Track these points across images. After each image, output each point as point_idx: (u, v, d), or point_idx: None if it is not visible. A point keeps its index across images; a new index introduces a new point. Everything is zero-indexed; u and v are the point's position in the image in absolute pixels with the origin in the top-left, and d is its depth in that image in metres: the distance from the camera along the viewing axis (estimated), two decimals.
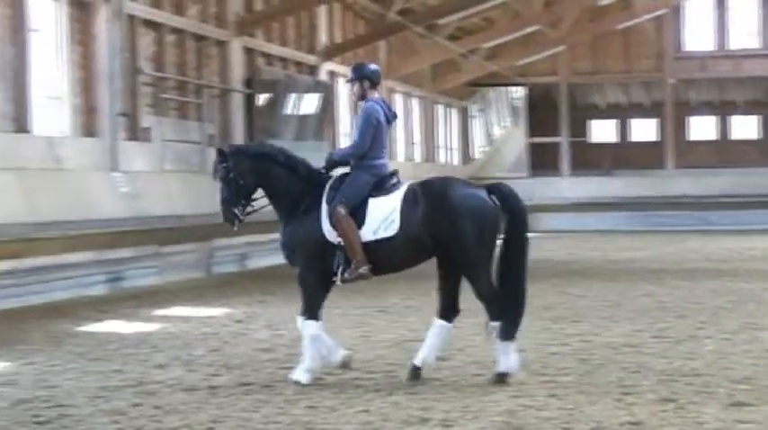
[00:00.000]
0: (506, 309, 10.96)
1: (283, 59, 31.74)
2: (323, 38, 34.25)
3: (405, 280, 22.73)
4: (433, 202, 10.85)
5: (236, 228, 11.52)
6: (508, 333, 10.87)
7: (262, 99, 29.50)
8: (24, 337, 14.46)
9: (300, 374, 10.92)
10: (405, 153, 42.80)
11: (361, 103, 11.45)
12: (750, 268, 25.11)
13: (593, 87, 52.51)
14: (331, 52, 34.58)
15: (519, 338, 11.02)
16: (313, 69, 33.55)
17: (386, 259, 11.04)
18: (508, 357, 10.80)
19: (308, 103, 32.15)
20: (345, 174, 11.29)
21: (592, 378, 11.10)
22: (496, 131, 57.12)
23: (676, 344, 13.33)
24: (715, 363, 11.91)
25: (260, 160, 11.39)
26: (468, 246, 10.77)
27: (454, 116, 50.56)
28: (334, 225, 10.86)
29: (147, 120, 24.26)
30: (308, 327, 11.00)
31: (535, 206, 45.48)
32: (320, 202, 11.03)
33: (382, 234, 10.91)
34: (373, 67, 11.71)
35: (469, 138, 52.76)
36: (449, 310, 11.09)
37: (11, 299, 17.67)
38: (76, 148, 21.53)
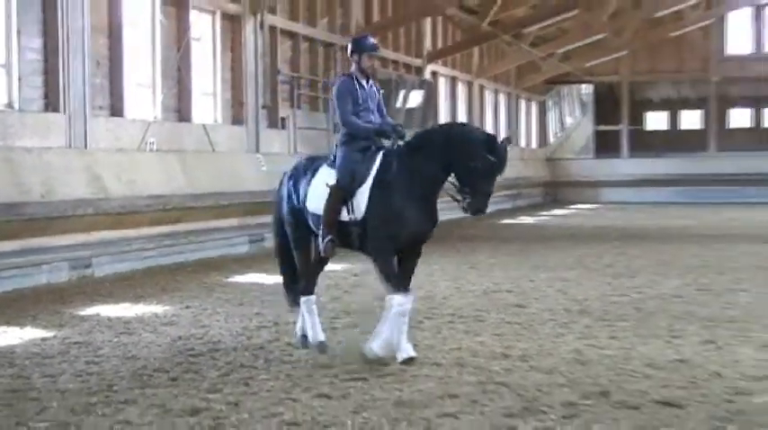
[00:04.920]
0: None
1: (395, 62, 31.66)
2: (427, 44, 34.12)
3: (492, 242, 22.76)
4: None
5: None
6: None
7: None
8: (182, 287, 14.61)
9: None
10: None
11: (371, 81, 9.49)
12: None
13: (649, 85, 51.60)
14: (434, 56, 34.48)
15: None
16: (419, 70, 33.44)
17: None
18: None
19: (414, 98, 32.02)
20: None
21: (646, 323, 10.90)
22: (568, 121, 56.71)
23: (717, 296, 13.06)
24: (750, 312, 11.64)
25: None
26: None
27: (534, 108, 50.23)
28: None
29: (283, 111, 24.35)
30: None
31: (600, 182, 45.56)
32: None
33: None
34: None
35: (546, 127, 52.43)
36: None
37: (172, 256, 17.84)
38: (226, 134, 21.67)
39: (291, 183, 9.57)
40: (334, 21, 27.23)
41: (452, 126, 9.30)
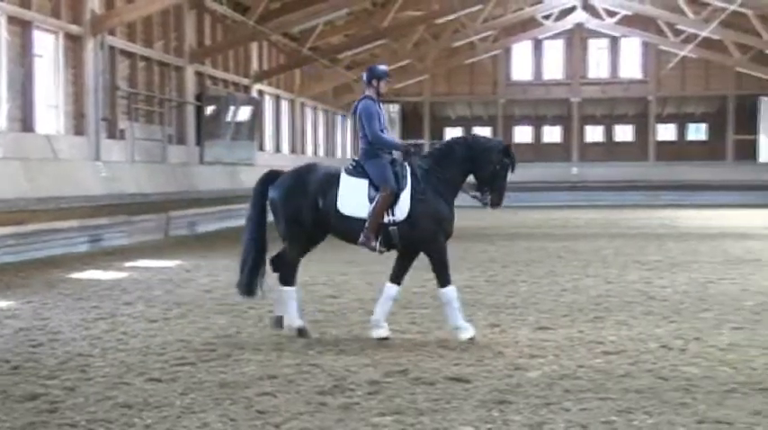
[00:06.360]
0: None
1: (225, 81, 31.30)
2: (254, 66, 33.88)
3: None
4: None
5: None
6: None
7: (208, 109, 29.01)
8: (25, 283, 14.01)
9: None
10: (312, 149, 42.66)
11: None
12: (552, 233, 25.42)
13: (448, 104, 52.75)
14: (260, 76, 34.25)
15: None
16: (246, 89, 33.16)
17: None
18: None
19: (243, 113, 31.76)
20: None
21: (441, 310, 11.03)
22: None
23: (501, 286, 13.40)
24: (527, 300, 11.99)
25: None
26: None
27: (349, 124, 50.49)
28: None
29: (122, 123, 23.76)
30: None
31: None
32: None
33: None
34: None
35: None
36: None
37: (16, 254, 17.11)
38: (68, 144, 20.95)
39: (298, 187, 9.19)
40: (169, 43, 26.73)
41: (470, 138, 9.53)
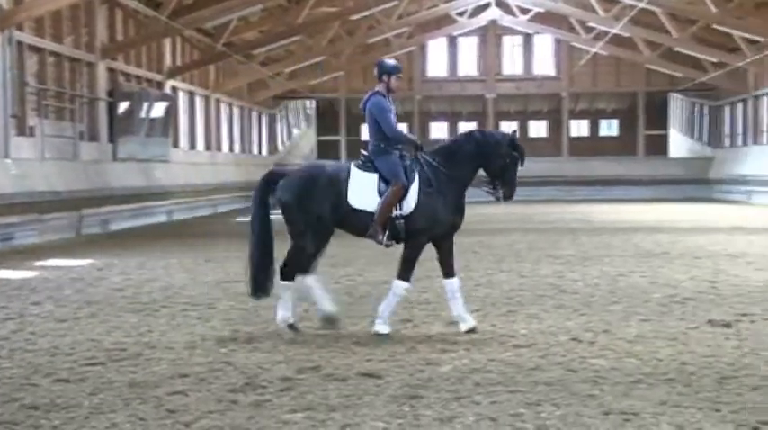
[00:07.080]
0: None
1: (138, 77, 30.85)
2: (168, 61, 33.45)
3: (228, 238, 22.52)
4: None
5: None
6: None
7: (121, 106, 28.55)
8: None
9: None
10: (228, 146, 42.32)
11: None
12: (467, 228, 25.43)
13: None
14: (173, 72, 33.85)
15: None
16: (160, 85, 32.72)
17: None
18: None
19: (156, 110, 31.34)
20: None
21: (355, 306, 11.11)
22: (295, 131, 57.17)
23: (416, 281, 13.26)
24: (441, 295, 11.97)
25: None
26: None
27: (264, 120, 50.26)
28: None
29: (32, 120, 23.26)
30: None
31: None
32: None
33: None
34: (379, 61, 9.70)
35: (275, 136, 52.61)
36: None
37: None
38: None
39: (308, 185, 9.16)
40: (80, 39, 26.24)
41: (477, 133, 9.58)
